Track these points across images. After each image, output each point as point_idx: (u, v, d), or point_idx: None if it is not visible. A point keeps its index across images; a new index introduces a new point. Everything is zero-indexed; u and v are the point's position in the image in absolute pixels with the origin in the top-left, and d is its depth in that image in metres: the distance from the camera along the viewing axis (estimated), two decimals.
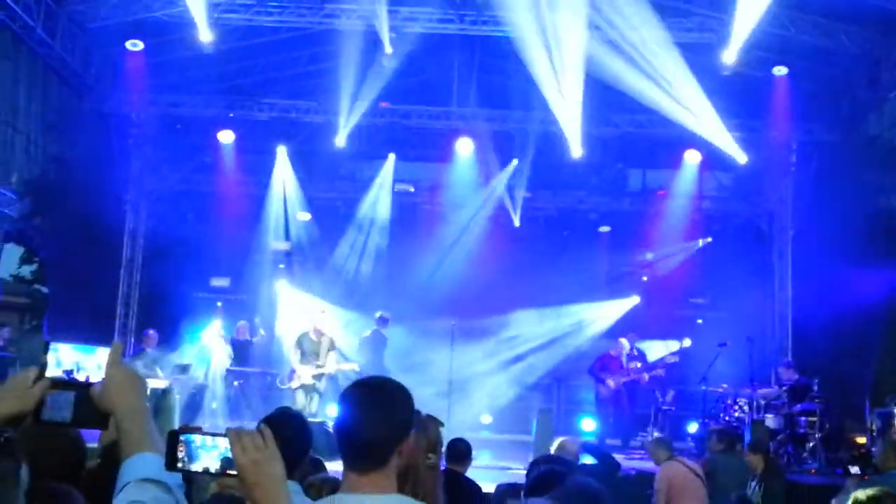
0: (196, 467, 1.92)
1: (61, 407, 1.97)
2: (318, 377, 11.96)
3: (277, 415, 3.65)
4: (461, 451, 6.35)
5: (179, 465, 1.91)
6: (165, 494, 1.81)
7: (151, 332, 13.62)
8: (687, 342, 14.97)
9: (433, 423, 4.45)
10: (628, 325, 14.97)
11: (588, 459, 7.76)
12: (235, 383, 14.33)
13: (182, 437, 1.92)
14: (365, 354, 13.87)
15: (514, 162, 15.87)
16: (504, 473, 9.70)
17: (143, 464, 1.82)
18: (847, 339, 13.62)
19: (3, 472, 1.61)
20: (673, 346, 15.08)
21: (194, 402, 13.45)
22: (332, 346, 12.11)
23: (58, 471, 2.39)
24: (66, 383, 1.99)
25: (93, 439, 3.08)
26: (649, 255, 17.26)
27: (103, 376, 1.96)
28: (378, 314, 14.00)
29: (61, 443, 2.50)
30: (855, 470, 7.23)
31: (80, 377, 2.01)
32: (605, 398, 13.61)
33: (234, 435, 1.91)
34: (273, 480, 1.90)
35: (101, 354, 2.00)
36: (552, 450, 7.46)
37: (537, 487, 4.34)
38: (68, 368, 2.02)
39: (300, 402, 11.72)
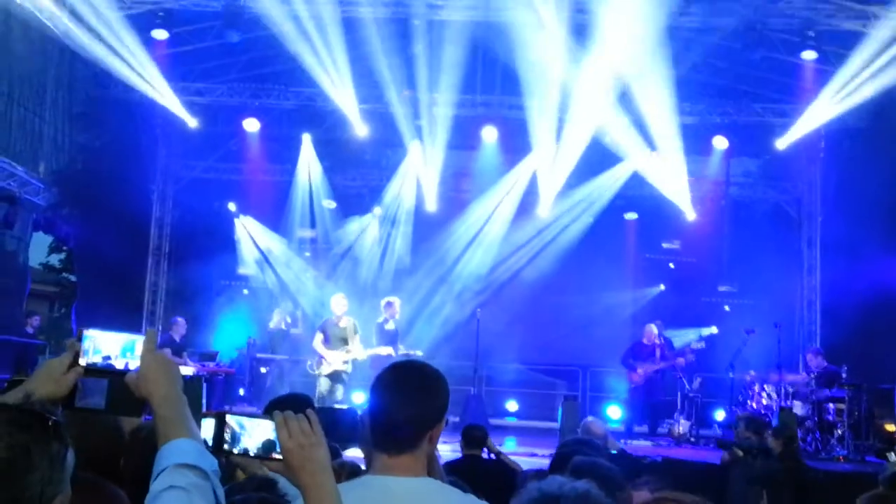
0: (243, 448, 1.95)
1: (95, 394, 1.99)
2: (347, 362, 11.98)
3: (283, 399, 3.68)
4: (477, 437, 6.53)
5: (226, 447, 1.94)
6: (202, 480, 1.82)
7: (179, 319, 13.75)
8: (713, 330, 14.87)
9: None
10: (655, 313, 14.90)
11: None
12: (263, 370, 14.42)
13: (229, 418, 1.94)
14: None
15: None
16: (529, 461, 9.70)
17: (180, 449, 1.84)
18: (876, 326, 13.49)
19: (52, 454, 1.63)
20: (700, 333, 14.97)
21: (221, 390, 13.57)
22: (356, 330, 12.11)
23: (94, 460, 2.41)
24: (100, 370, 2.00)
25: None
26: (676, 243, 17.16)
27: (139, 363, 1.98)
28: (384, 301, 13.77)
29: (98, 431, 2.52)
30: (893, 458, 7.13)
31: (119, 365, 2.02)
32: (637, 386, 13.59)
33: (280, 419, 1.94)
34: (318, 465, 1.92)
35: (135, 340, 2.02)
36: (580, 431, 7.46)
37: (560, 466, 4.33)
38: (106, 355, 2.04)
39: (323, 388, 11.75)
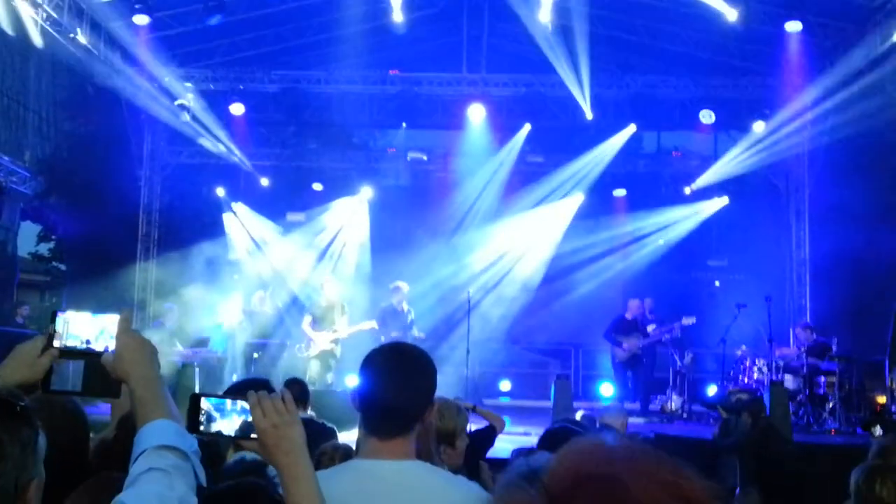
0: (216, 430, 1.94)
1: (71, 376, 1.97)
2: (335, 342, 12.01)
3: (246, 382, 3.66)
4: None
5: (201, 427, 1.93)
6: (182, 461, 1.81)
7: (172, 306, 13.70)
8: (692, 320, 14.58)
9: (451, 410, 4.35)
10: (646, 290, 14.91)
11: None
12: (255, 355, 14.39)
13: (203, 401, 1.93)
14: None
15: (527, 126, 15.75)
16: (522, 439, 9.73)
17: (159, 430, 1.82)
18: (866, 298, 13.54)
19: (23, 440, 1.61)
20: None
21: (214, 376, 13.54)
22: (343, 311, 12.16)
23: (57, 443, 2.38)
24: (76, 352, 1.98)
25: (104, 413, 3.08)
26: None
27: (115, 345, 1.96)
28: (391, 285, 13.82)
29: (61, 414, 2.48)
30: (878, 432, 7.20)
31: (99, 347, 1.99)
32: (621, 362, 13.59)
33: (254, 399, 1.93)
34: (293, 444, 1.91)
35: (109, 321, 1.99)
36: (578, 416, 7.59)
37: (547, 443, 4.33)
38: (86, 338, 2.01)
39: (314, 371, 11.76)
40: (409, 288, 13.11)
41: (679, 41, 15.11)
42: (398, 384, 2.37)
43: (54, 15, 12.84)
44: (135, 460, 1.79)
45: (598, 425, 7.12)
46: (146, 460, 1.78)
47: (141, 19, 13.61)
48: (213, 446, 2.65)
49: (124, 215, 15.72)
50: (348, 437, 5.77)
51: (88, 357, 1.97)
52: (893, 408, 11.81)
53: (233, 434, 1.95)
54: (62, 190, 15.09)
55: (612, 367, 13.78)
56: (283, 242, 16.69)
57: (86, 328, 2.00)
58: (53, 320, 2.00)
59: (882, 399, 12.42)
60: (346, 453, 3.94)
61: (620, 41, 15.80)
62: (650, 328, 13.63)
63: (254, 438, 1.92)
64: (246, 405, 1.93)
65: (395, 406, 2.35)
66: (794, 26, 13.32)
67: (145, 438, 1.81)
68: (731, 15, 12.84)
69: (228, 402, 1.95)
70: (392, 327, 12.10)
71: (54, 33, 13.22)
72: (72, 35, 13.41)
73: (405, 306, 12.54)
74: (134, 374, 1.91)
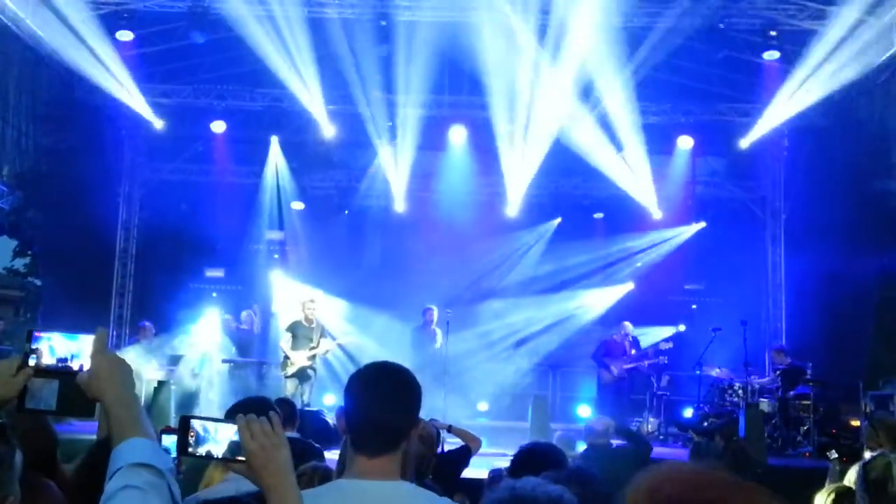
0: (205, 451, 1.97)
1: (46, 395, 1.98)
2: (312, 358, 12.05)
3: (245, 402, 3.67)
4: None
5: (190, 449, 1.95)
6: (158, 479, 1.81)
7: (147, 323, 13.62)
8: (681, 328, 14.98)
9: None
10: (623, 312, 14.98)
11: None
12: (232, 374, 14.29)
13: (193, 423, 1.96)
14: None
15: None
16: (499, 459, 9.71)
17: (134, 449, 1.83)
18: (841, 322, 13.66)
19: (0, 457, 1.62)
20: (668, 332, 15.06)
21: (190, 394, 13.44)
22: (323, 333, 12.24)
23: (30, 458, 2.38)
24: (51, 371, 1.99)
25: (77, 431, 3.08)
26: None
27: (89, 364, 1.97)
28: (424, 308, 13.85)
29: (30, 432, 2.48)
30: (833, 455, 7.31)
31: (75, 365, 2.00)
32: (607, 384, 13.58)
33: (242, 422, 1.96)
34: (280, 466, 1.94)
35: (85, 341, 2.00)
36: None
37: (520, 466, 4.34)
38: (62, 356, 2.02)
39: (290, 390, 11.76)
40: (391, 309, 13.36)
41: (659, 67, 15.28)
42: (386, 401, 2.39)
43: (35, 28, 12.83)
44: (110, 478, 1.80)
45: (585, 445, 7.17)
46: (121, 478, 1.79)
47: (125, 35, 13.63)
48: None
49: (102, 231, 15.62)
50: (328, 456, 5.75)
51: (63, 376, 1.98)
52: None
53: (220, 455, 1.98)
54: (40, 205, 15.00)
55: (598, 388, 13.76)
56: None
57: (62, 347, 2.01)
58: (30, 339, 2.01)
59: (856, 422, 12.52)
60: (324, 475, 3.94)
61: None
62: (631, 351, 13.69)
63: (241, 460, 1.95)
64: (234, 427, 1.96)
65: (384, 423, 2.37)
66: (772, 55, 13.54)
67: (120, 457, 1.82)
68: None
69: (218, 424, 1.98)
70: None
71: (35, 47, 13.22)
72: (54, 49, 13.41)
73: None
74: (109, 393, 1.92)
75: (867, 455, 5.92)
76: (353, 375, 2.48)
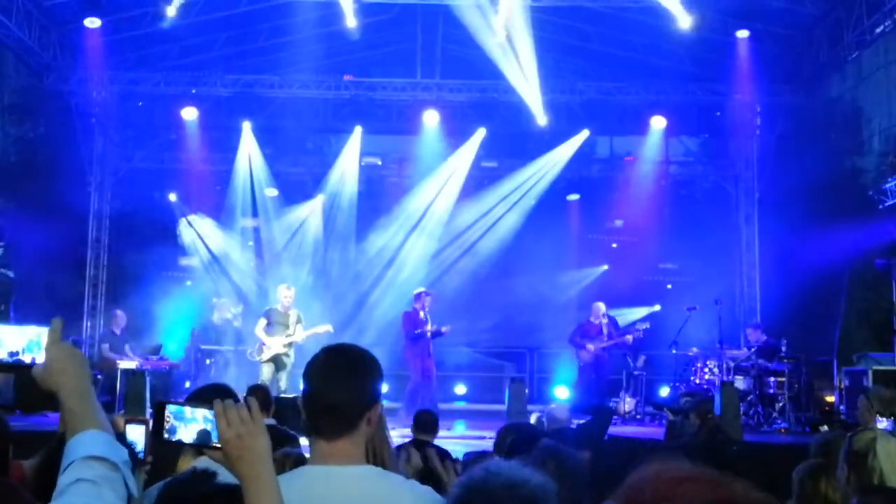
0: (179, 437, 1.93)
1: (2, 390, 1.94)
2: (288, 346, 12.00)
3: (205, 389, 3.63)
4: (428, 422, 6.57)
5: (165, 435, 1.91)
6: (112, 472, 1.78)
7: (119, 312, 13.52)
8: (656, 308, 15.08)
9: None
10: (598, 293, 15.03)
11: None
12: (208, 361, 14.24)
13: (167, 409, 1.92)
14: None
15: (482, 130, 15.81)
16: (477, 443, 9.75)
17: (88, 441, 1.79)
18: (814, 299, 13.77)
19: None
20: (643, 312, 15.15)
21: (166, 383, 13.37)
22: (299, 320, 12.19)
23: None
24: (5, 366, 1.95)
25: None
26: (618, 223, 17.34)
27: (44, 356, 1.93)
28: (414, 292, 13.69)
29: None
30: (824, 429, 7.38)
31: (27, 358, 1.97)
32: (586, 364, 13.57)
33: (219, 408, 1.90)
34: (257, 454, 1.89)
35: (37, 332, 1.98)
36: (533, 420, 7.65)
37: (501, 448, 4.37)
38: (13, 350, 1.98)
39: (266, 375, 11.72)
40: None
41: (631, 48, 15.31)
42: (338, 381, 2.37)
43: (2, 17, 12.64)
44: (63, 471, 1.77)
45: (544, 420, 7.19)
46: (74, 471, 1.75)
47: (92, 22, 13.47)
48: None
49: (74, 220, 15.46)
50: (304, 442, 5.74)
51: (17, 370, 1.95)
52: (842, 407, 12.05)
53: (192, 442, 1.93)
54: (9, 194, 14.79)
55: (578, 370, 13.76)
56: (238, 249, 16.51)
57: (16, 341, 1.98)
58: None
59: (831, 398, 12.67)
60: (297, 461, 3.91)
61: (573, 48, 15.97)
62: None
63: (217, 447, 1.90)
64: (208, 413, 1.91)
65: (334, 403, 2.35)
66: (743, 34, 13.59)
67: (74, 449, 1.78)
68: (685, 21, 13.04)
69: (192, 410, 1.93)
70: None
71: (2, 35, 13.03)
72: (20, 37, 13.22)
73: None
74: (64, 385, 1.88)
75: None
76: (310, 360, 2.46)
